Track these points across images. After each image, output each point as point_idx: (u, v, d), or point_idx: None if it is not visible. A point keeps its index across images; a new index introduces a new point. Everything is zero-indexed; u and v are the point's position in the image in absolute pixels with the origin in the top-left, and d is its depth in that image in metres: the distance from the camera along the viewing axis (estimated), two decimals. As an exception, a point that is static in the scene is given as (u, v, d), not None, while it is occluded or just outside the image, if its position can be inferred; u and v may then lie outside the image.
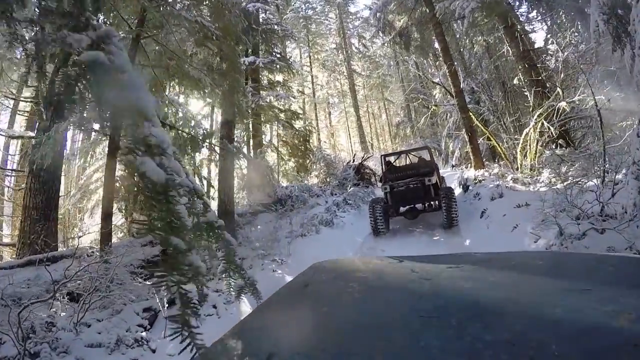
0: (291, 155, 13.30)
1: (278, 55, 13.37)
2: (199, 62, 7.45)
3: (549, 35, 12.43)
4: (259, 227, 7.85)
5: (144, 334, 3.63)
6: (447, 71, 10.93)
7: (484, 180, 9.04)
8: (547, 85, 9.76)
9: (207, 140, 8.35)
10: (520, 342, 0.57)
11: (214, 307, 4.31)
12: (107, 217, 5.97)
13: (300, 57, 26.88)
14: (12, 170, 12.07)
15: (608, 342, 0.54)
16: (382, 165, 9.04)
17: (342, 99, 30.05)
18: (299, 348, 0.66)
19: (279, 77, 13.79)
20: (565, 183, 6.03)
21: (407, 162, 10.10)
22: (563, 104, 7.85)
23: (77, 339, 3.37)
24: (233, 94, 7.48)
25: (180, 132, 7.34)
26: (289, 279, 5.14)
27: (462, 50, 15.07)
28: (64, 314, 3.85)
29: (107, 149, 6.85)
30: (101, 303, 4.01)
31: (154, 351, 3.44)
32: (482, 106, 12.86)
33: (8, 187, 13.94)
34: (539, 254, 2.03)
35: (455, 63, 11.96)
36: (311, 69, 27.08)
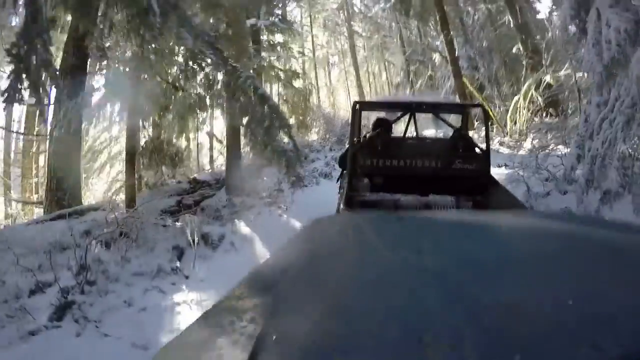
0: (292, 113, 13.62)
1: (279, 17, 13.35)
2: (207, 28, 7.84)
3: (553, 6, 12.66)
4: (265, 178, 8.53)
5: (177, 264, 4.44)
6: (444, 40, 11.31)
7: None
8: (544, 56, 10.18)
9: (215, 101, 8.88)
10: (518, 305, 0.57)
11: (232, 244, 5.11)
12: (130, 171, 6.68)
13: (301, 17, 26.50)
14: (20, 133, 12.51)
15: (605, 310, 0.54)
16: (353, 125, 4.05)
17: (342, 58, 29.94)
18: (297, 304, 0.66)
19: (280, 38, 13.88)
20: (545, 149, 6.73)
21: (412, 137, 4.92)
22: (548, 77, 8.40)
23: (124, 270, 4.12)
24: (239, 59, 7.94)
25: (187, 92, 7.86)
26: (292, 221, 5.97)
27: (463, 17, 15.25)
28: (104, 254, 4.59)
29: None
30: (136, 244, 4.78)
31: (187, 277, 4.24)
32: (478, 72, 13.26)
33: (14, 152, 14.53)
34: (542, 215, 2.03)
35: (452, 33, 12.24)
36: (312, 29, 26.78)
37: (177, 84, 7.70)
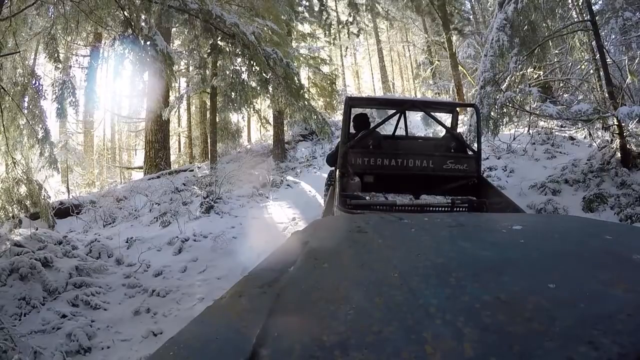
0: (320, 96, 15.56)
1: (307, 8, 14.79)
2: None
3: None
4: (302, 149, 11.80)
5: (261, 191, 7.78)
6: (444, 36, 13.78)
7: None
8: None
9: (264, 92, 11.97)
10: (517, 303, 0.57)
11: (288, 185, 8.43)
12: (213, 143, 9.87)
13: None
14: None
15: (603, 309, 0.54)
16: (345, 122, 3.81)
17: (366, 37, 31.75)
18: (297, 303, 0.67)
19: (309, 29, 15.77)
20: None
21: (403, 136, 4.89)
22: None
23: (231, 194, 7.42)
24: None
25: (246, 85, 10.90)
26: (324, 174, 9.23)
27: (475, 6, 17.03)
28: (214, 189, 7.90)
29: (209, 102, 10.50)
30: (230, 184, 8.09)
31: (267, 197, 7.52)
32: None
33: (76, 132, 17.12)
34: (540, 217, 2.03)
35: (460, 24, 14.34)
36: (337, 11, 28.88)
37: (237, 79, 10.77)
